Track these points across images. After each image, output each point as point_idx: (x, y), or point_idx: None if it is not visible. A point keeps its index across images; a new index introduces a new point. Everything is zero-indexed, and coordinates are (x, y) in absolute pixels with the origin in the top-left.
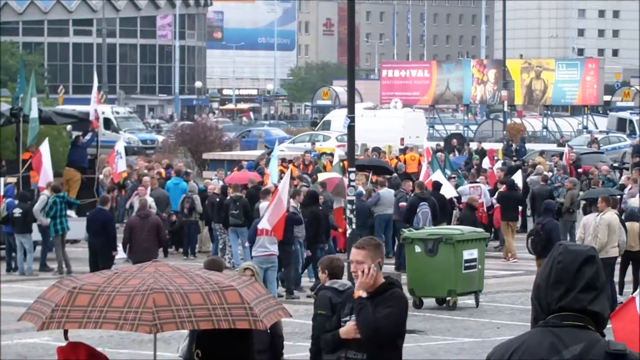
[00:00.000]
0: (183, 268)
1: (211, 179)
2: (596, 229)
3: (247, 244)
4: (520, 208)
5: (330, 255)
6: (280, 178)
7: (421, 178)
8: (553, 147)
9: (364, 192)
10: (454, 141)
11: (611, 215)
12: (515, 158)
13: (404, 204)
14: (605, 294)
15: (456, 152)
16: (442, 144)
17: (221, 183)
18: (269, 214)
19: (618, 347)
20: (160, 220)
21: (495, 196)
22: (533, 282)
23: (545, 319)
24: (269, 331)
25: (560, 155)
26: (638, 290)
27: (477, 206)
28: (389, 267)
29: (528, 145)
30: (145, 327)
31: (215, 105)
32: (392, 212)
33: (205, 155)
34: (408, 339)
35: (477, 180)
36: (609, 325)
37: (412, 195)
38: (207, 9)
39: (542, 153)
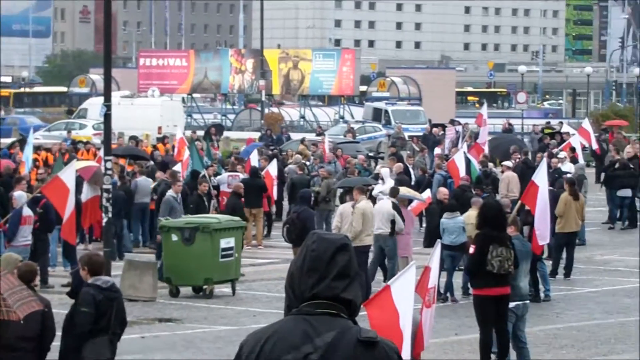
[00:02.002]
0: None
1: None
2: (351, 218)
3: None
4: (279, 195)
5: (89, 252)
6: (35, 166)
7: (179, 167)
8: (312, 136)
9: (119, 182)
10: (213, 130)
11: (366, 203)
12: (272, 147)
13: None
14: (358, 282)
15: (215, 142)
16: (201, 133)
17: None
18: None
19: (370, 334)
20: None
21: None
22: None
23: (298, 306)
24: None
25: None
26: (393, 278)
27: (242, 193)
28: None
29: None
30: None
31: None
32: (148, 201)
33: None
34: (164, 327)
35: (237, 169)
36: (363, 312)
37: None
38: None
39: (303, 141)
